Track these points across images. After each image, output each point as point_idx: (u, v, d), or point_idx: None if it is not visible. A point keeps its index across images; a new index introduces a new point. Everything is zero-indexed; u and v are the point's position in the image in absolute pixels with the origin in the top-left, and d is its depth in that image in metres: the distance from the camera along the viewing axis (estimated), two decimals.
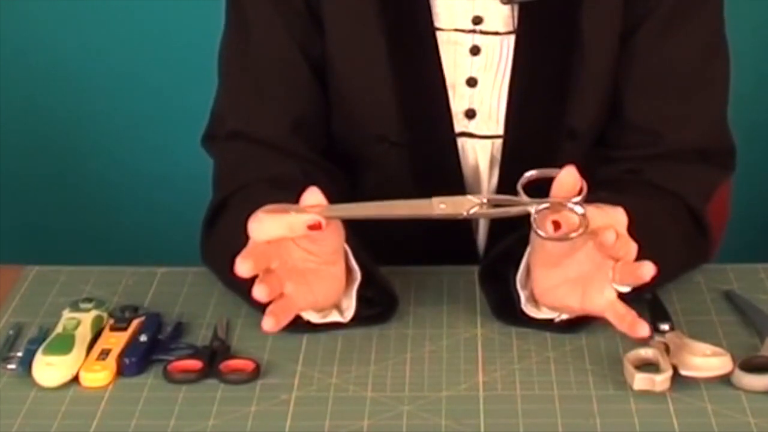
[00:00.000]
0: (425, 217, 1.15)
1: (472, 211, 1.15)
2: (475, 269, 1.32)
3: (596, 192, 1.21)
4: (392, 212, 1.16)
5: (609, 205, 1.15)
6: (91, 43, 2.34)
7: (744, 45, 2.06)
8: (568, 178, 1.14)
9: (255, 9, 1.38)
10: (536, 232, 1.14)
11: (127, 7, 2.32)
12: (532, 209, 1.14)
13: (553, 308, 1.22)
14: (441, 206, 1.15)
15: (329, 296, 1.21)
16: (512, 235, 1.23)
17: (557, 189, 1.14)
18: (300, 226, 1.13)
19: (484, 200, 1.16)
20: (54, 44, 2.34)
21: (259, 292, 1.12)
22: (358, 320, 1.24)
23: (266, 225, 1.13)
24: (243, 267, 1.10)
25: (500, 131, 1.38)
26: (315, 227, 1.13)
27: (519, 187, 1.15)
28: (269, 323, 1.13)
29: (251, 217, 1.14)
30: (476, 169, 1.40)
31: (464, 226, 1.43)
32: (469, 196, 1.16)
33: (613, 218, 1.13)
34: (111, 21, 2.33)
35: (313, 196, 1.15)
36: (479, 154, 1.40)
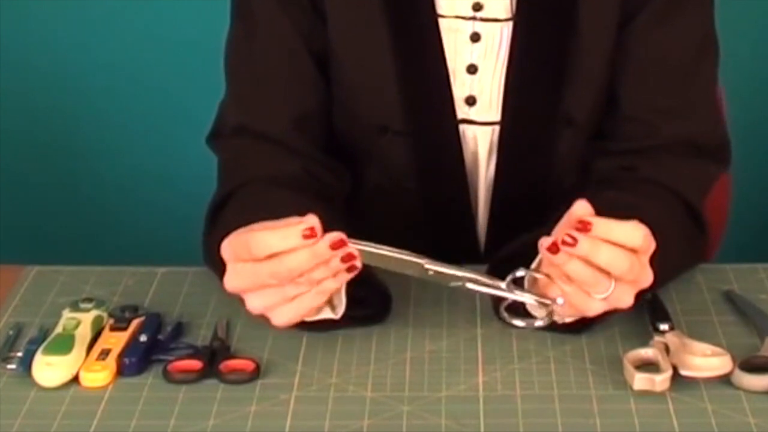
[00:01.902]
0: (415, 275, 1.16)
1: (456, 284, 1.16)
2: (476, 269, 1.32)
3: (599, 190, 1.20)
4: (383, 263, 1.15)
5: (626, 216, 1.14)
6: (92, 42, 2.34)
7: (744, 45, 2.07)
8: (580, 210, 1.12)
9: (259, 5, 1.39)
10: (503, 318, 1.16)
11: (128, 7, 2.32)
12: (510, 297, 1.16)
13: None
14: (430, 273, 1.16)
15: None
16: (519, 239, 1.23)
17: (568, 218, 1.12)
18: (296, 237, 1.11)
19: (468, 285, 1.16)
20: (54, 44, 2.34)
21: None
22: (352, 321, 1.24)
23: (269, 237, 1.12)
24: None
25: (499, 118, 1.39)
26: (310, 236, 1.12)
27: (508, 280, 1.15)
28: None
29: (235, 242, 1.14)
30: (476, 156, 1.41)
31: (465, 225, 1.43)
32: (458, 272, 1.16)
33: (631, 236, 1.12)
34: (112, 20, 2.33)
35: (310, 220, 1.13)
36: (479, 141, 1.40)
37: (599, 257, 1.10)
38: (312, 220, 1.11)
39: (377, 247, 1.15)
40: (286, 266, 1.11)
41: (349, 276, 1.14)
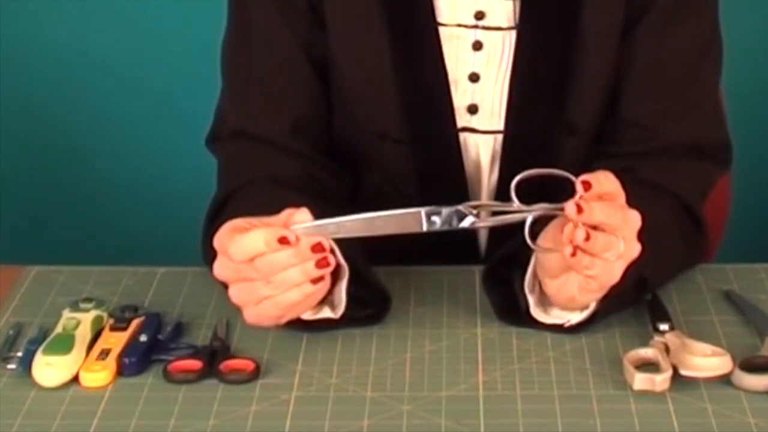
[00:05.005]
0: (415, 232, 1.15)
1: (464, 224, 1.15)
2: (476, 269, 1.32)
3: None
4: (379, 230, 1.15)
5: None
6: (92, 43, 2.34)
7: (744, 45, 2.07)
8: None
9: (257, 9, 1.39)
10: (530, 245, 1.14)
11: (128, 7, 2.32)
12: (528, 217, 1.14)
13: (569, 302, 1.20)
14: (433, 218, 1.15)
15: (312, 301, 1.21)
16: (516, 238, 1.23)
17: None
18: (272, 241, 1.13)
19: (475, 212, 1.15)
20: (54, 44, 2.34)
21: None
22: (352, 321, 1.24)
23: (245, 242, 1.13)
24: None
25: (502, 126, 1.39)
26: (284, 241, 1.13)
27: (512, 191, 1.14)
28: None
29: (224, 235, 1.15)
30: (478, 165, 1.41)
31: (467, 231, 1.42)
32: (460, 206, 1.16)
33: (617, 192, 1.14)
34: (112, 21, 2.33)
35: (302, 216, 1.14)
36: (481, 150, 1.40)
37: (594, 216, 1.12)
38: (285, 231, 1.13)
39: (368, 216, 1.15)
40: (268, 261, 1.13)
41: (313, 289, 1.15)
